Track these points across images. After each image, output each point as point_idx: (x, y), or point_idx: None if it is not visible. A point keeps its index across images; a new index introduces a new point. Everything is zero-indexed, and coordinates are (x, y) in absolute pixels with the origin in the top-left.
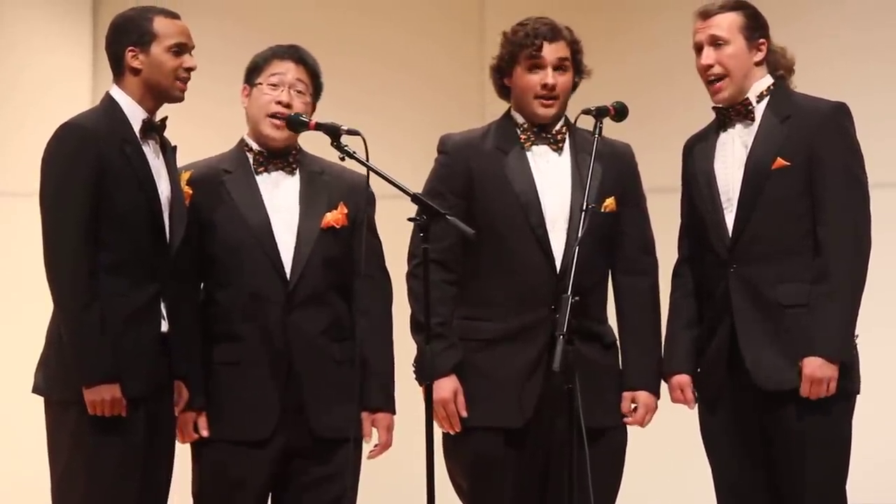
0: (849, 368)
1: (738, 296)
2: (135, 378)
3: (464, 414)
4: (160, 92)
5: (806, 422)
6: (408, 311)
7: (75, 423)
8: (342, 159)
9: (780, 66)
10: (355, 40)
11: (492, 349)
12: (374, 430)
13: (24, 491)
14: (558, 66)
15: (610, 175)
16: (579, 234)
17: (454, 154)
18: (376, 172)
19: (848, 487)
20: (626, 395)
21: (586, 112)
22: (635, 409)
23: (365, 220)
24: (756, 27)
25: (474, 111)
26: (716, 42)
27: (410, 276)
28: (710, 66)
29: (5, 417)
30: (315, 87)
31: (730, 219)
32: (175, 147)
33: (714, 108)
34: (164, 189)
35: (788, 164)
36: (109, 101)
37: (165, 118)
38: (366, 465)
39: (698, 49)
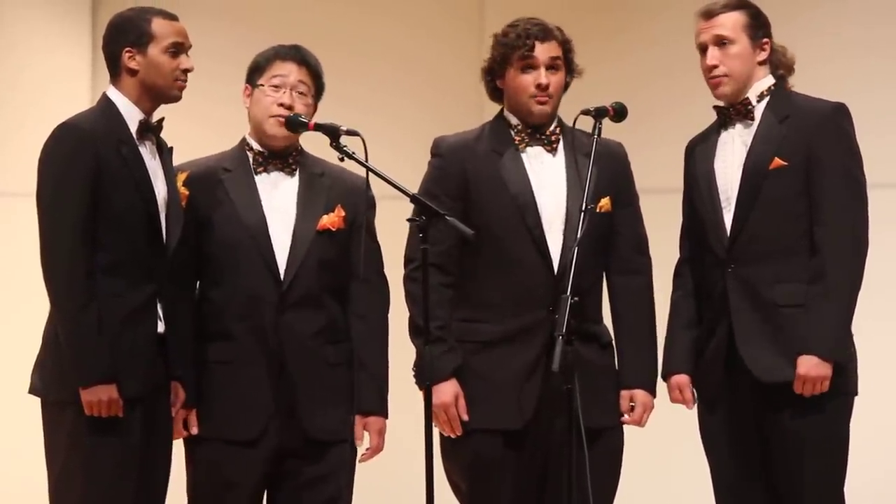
0: (844, 368)
1: (735, 296)
2: (132, 378)
3: (465, 418)
4: (157, 93)
5: (802, 422)
6: (406, 314)
7: (72, 424)
8: (341, 160)
9: (780, 65)
10: (355, 39)
11: (490, 351)
12: (366, 434)
13: (21, 491)
14: (551, 66)
15: (605, 175)
16: (578, 235)
17: (449, 156)
18: (375, 173)
19: (848, 492)
20: (624, 394)
21: (585, 112)
22: (633, 408)
23: (364, 223)
24: (759, 26)
25: (474, 111)
26: (720, 42)
27: (408, 280)
28: (715, 67)
29: (4, 418)
30: (317, 89)
31: (728, 218)
32: (171, 148)
33: (715, 107)
34: (160, 190)
35: (786, 164)
36: (106, 102)
37: (162, 119)
38: (365, 468)
39: (702, 49)
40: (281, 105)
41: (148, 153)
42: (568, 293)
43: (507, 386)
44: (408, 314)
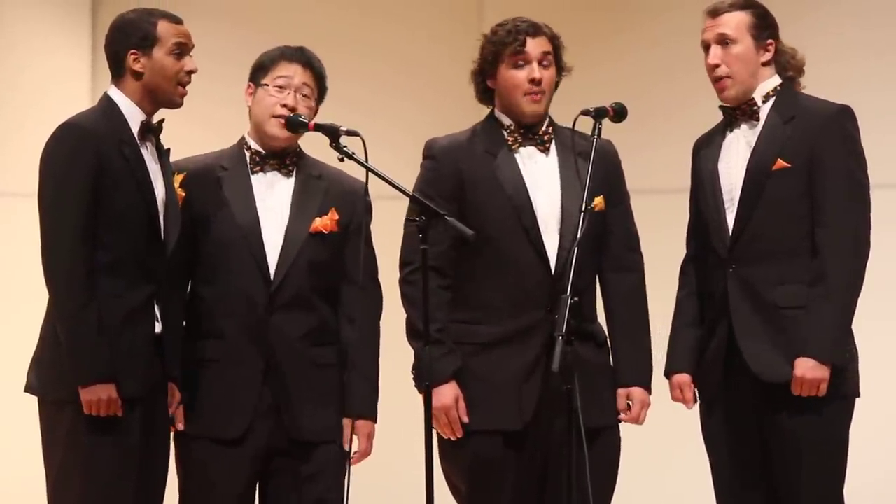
0: (844, 370)
1: (736, 296)
2: (130, 378)
3: (465, 420)
4: (160, 96)
5: (801, 423)
6: (401, 315)
7: (71, 424)
8: (341, 160)
9: (789, 67)
10: (354, 41)
11: (488, 352)
12: (355, 438)
13: (21, 491)
14: (542, 61)
15: (598, 174)
16: (578, 235)
17: (442, 158)
18: (375, 173)
19: (848, 492)
20: (621, 392)
21: (586, 113)
22: (629, 406)
23: (360, 228)
24: (765, 27)
25: (473, 112)
26: (723, 41)
27: (403, 283)
28: (717, 66)
29: (4, 417)
30: (320, 91)
31: (731, 219)
32: (168, 150)
33: (721, 107)
34: (159, 191)
35: (789, 165)
36: (108, 102)
37: (162, 120)
38: (365, 469)
39: (706, 47)
40: (284, 106)
41: (148, 154)
42: (568, 293)
43: (506, 387)
44: (404, 314)
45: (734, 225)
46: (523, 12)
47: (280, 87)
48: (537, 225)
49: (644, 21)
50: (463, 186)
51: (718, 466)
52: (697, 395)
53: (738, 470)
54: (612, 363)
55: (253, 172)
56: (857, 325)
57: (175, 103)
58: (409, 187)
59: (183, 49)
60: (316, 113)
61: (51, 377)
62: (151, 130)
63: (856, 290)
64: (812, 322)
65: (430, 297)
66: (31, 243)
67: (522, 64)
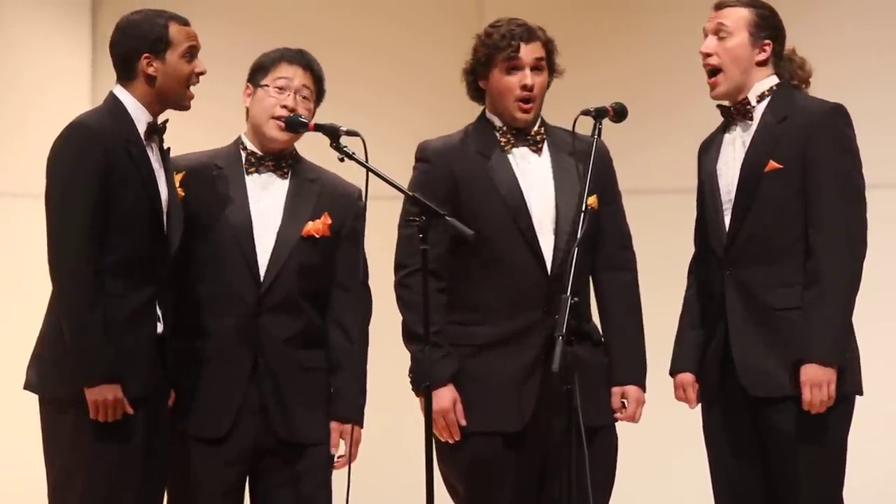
0: (842, 371)
1: (732, 298)
2: (134, 379)
3: (463, 423)
4: (171, 99)
5: (796, 424)
6: (397, 319)
7: (73, 423)
8: (341, 160)
9: (796, 76)
10: (354, 41)
11: (485, 354)
12: (341, 442)
13: (21, 491)
14: (535, 67)
15: (593, 174)
16: (578, 236)
17: (436, 160)
18: (375, 173)
19: (848, 492)
20: (616, 390)
21: (585, 113)
22: (625, 404)
23: (352, 233)
24: (765, 27)
25: (473, 113)
26: (719, 32)
27: (399, 286)
28: (709, 55)
29: (4, 417)
30: (318, 93)
31: (727, 220)
32: (169, 149)
33: (719, 106)
34: (163, 191)
35: (780, 166)
36: (114, 102)
37: (166, 121)
38: (365, 469)
39: (705, 37)
40: (284, 107)
41: (153, 155)
42: (568, 293)
43: (504, 388)
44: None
45: (730, 226)
46: (523, 13)
47: (280, 88)
48: (532, 226)
49: (644, 21)
50: (457, 188)
51: (717, 464)
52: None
53: (737, 469)
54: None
55: (248, 173)
56: (856, 326)
57: (184, 106)
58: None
59: (193, 51)
60: (314, 115)
61: (52, 375)
62: (156, 131)
63: (853, 291)
64: (810, 326)
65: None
66: (30, 243)
67: (515, 70)
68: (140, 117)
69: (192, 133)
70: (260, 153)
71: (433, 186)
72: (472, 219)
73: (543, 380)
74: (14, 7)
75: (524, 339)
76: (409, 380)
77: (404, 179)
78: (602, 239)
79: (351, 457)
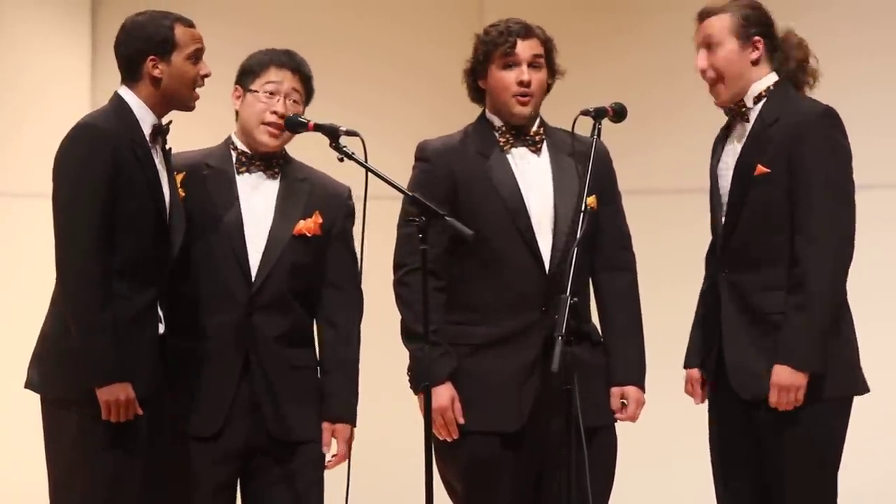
0: (830, 374)
1: (726, 300)
2: (139, 380)
3: (461, 421)
4: (176, 101)
5: (785, 426)
6: (397, 318)
7: (76, 423)
8: (341, 160)
9: (791, 58)
10: (354, 40)
11: (484, 353)
12: (333, 441)
13: (21, 491)
14: (532, 63)
15: (590, 174)
16: (578, 236)
17: (436, 160)
18: (375, 173)
19: (848, 492)
20: (615, 391)
21: (585, 113)
22: (624, 405)
23: (342, 232)
24: (750, 25)
25: (473, 112)
26: (708, 44)
27: (398, 285)
28: (704, 70)
29: (4, 417)
30: (307, 94)
31: (724, 223)
32: (170, 149)
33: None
34: (166, 193)
35: (768, 170)
36: (119, 103)
37: (170, 122)
38: (365, 469)
39: (697, 51)
40: (274, 113)
41: (157, 157)
42: (567, 293)
43: (502, 388)
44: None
45: (723, 230)
46: (523, 12)
47: (270, 93)
48: (531, 226)
49: (644, 21)
50: (456, 188)
51: (717, 465)
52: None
53: (733, 470)
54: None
55: (238, 173)
56: (856, 326)
57: (189, 107)
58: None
59: (199, 54)
60: (303, 115)
61: (55, 375)
62: (161, 133)
63: (836, 296)
64: (788, 331)
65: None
66: (29, 243)
67: (512, 65)
68: (145, 119)
69: (191, 133)
70: (250, 153)
71: (432, 186)
72: (471, 219)
73: (542, 380)
74: (14, 7)
75: (523, 339)
76: (407, 379)
77: (404, 179)
78: (601, 239)
79: (343, 456)
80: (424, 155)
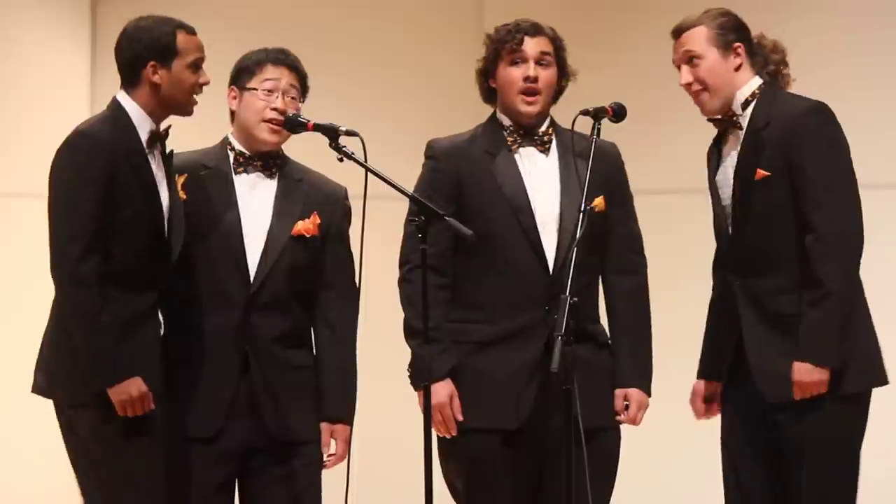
0: (843, 372)
1: (743, 305)
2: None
3: (459, 418)
4: (175, 106)
5: (810, 429)
6: (399, 316)
7: (91, 425)
8: (340, 160)
9: (770, 61)
10: (354, 40)
11: (486, 352)
12: (332, 441)
13: (22, 491)
14: (540, 61)
15: (598, 175)
16: (577, 235)
17: (443, 159)
18: (374, 173)
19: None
20: (618, 393)
21: (584, 113)
22: (627, 407)
23: (339, 233)
24: (727, 32)
25: (473, 112)
26: (690, 59)
27: (402, 282)
28: (690, 84)
29: (4, 417)
30: (303, 92)
31: (731, 230)
32: (171, 152)
33: (710, 120)
34: (164, 197)
35: (768, 174)
36: (118, 108)
37: (169, 127)
38: (365, 468)
39: (678, 68)
40: (274, 109)
41: (155, 162)
42: (567, 293)
43: (503, 386)
44: (402, 315)
45: (731, 238)
46: (523, 12)
47: (268, 90)
48: (535, 226)
49: (644, 21)
50: (461, 187)
51: (728, 469)
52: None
53: (745, 474)
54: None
55: (236, 173)
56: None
57: (188, 113)
58: (409, 187)
59: (200, 63)
60: (299, 112)
61: (65, 379)
62: (159, 139)
63: (849, 290)
64: (806, 327)
65: (427, 295)
66: (29, 243)
67: (519, 62)
68: (143, 125)
69: (190, 133)
70: (248, 153)
71: (439, 184)
72: (476, 217)
73: (543, 379)
74: (14, 7)
75: (525, 339)
76: (408, 376)
77: (403, 179)
78: (611, 242)
79: (341, 456)
80: (432, 153)
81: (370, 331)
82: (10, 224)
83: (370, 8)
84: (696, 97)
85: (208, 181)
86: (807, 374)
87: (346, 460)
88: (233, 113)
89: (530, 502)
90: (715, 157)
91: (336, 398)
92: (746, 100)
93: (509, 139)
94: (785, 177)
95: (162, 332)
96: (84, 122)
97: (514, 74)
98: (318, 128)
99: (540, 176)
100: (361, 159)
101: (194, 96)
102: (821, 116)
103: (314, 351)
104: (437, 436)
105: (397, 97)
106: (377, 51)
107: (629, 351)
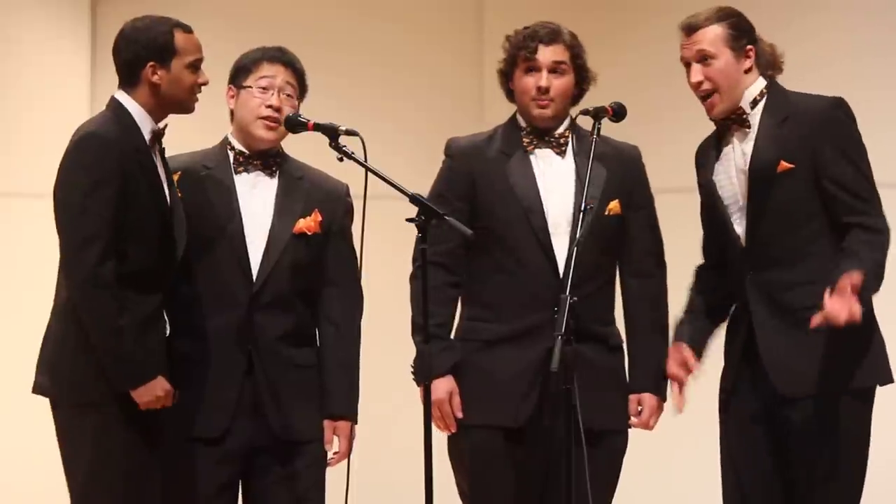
0: (855, 365)
1: (755, 300)
2: None
3: (459, 415)
4: (174, 105)
5: (822, 423)
6: (408, 313)
7: (95, 426)
8: (340, 160)
9: (768, 65)
10: (354, 40)
11: (493, 350)
12: (335, 438)
13: (21, 490)
14: (553, 69)
15: (614, 178)
16: (577, 235)
17: (458, 158)
18: (374, 173)
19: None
20: (632, 397)
21: (584, 112)
22: (641, 411)
23: (341, 230)
24: (741, 34)
25: (473, 111)
26: (703, 58)
27: (411, 279)
28: (700, 83)
29: (4, 416)
30: (301, 90)
31: (740, 227)
32: (163, 149)
33: (713, 120)
34: (167, 197)
35: (792, 166)
36: (119, 108)
37: (166, 125)
38: (364, 469)
39: (686, 65)
40: (269, 107)
41: (158, 161)
42: (567, 293)
43: (507, 384)
44: (405, 313)
45: (746, 233)
46: (523, 12)
47: (263, 88)
48: (546, 227)
49: (644, 21)
50: (475, 186)
51: (729, 465)
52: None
53: (748, 470)
54: (626, 367)
55: (236, 173)
56: None
57: (189, 110)
58: (410, 186)
59: (199, 63)
60: (298, 111)
61: (71, 380)
62: (158, 137)
63: (883, 267)
64: (846, 263)
65: (434, 293)
66: (28, 243)
67: (533, 70)
68: (145, 124)
69: (189, 133)
70: (247, 152)
71: (454, 183)
72: (488, 217)
73: (547, 379)
74: (14, 7)
75: (532, 338)
76: (408, 375)
77: (404, 179)
78: (629, 245)
79: (345, 454)
80: (449, 152)
81: (370, 330)
82: (9, 224)
83: (370, 8)
84: (705, 98)
85: (209, 181)
86: (854, 278)
87: (346, 459)
88: (232, 112)
89: (535, 501)
90: (713, 155)
91: (339, 395)
92: (755, 98)
93: (525, 140)
94: (809, 170)
95: (168, 332)
96: (88, 123)
97: (527, 83)
98: (318, 127)
99: (554, 177)
100: (361, 159)
101: (195, 95)
102: (844, 110)
103: (318, 349)
104: (446, 435)
105: (397, 97)
106: (377, 50)
107: (643, 355)
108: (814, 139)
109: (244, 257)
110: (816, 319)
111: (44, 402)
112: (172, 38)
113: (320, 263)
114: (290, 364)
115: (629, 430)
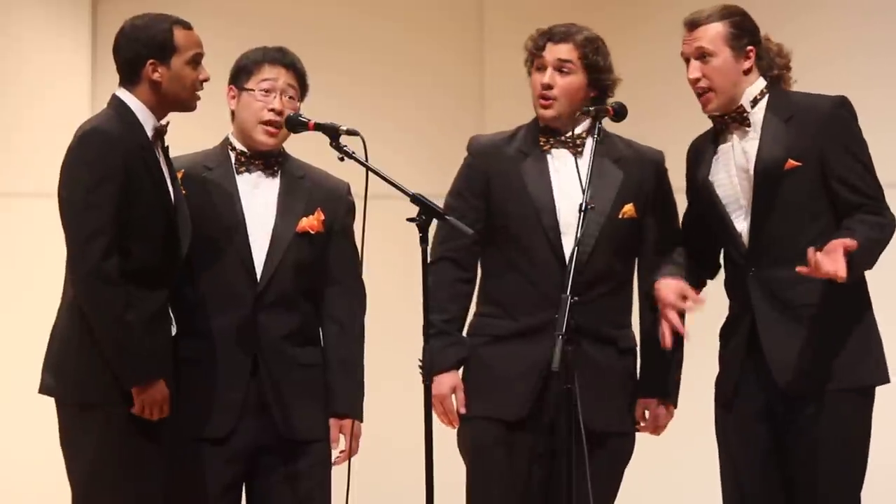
0: (857, 365)
1: (757, 298)
2: None
3: (462, 410)
4: (176, 103)
5: (823, 421)
6: (412, 311)
7: (101, 426)
8: (341, 159)
9: (774, 65)
10: (354, 39)
11: (500, 345)
12: (341, 437)
13: (21, 490)
14: (559, 68)
15: (630, 181)
16: (578, 235)
17: (477, 156)
18: (375, 172)
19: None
20: (641, 402)
21: (585, 112)
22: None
23: (344, 228)
24: (743, 34)
25: (474, 110)
26: (702, 55)
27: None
28: (698, 79)
29: (4, 416)
30: (302, 91)
31: (741, 225)
32: (167, 147)
33: (711, 116)
34: (171, 194)
35: (800, 164)
36: (121, 106)
37: (168, 122)
38: (365, 468)
39: (686, 60)
40: (272, 111)
41: (161, 158)
42: (567, 293)
43: (509, 379)
44: (405, 312)
45: (749, 230)
46: (524, 12)
47: (266, 90)
48: (557, 226)
49: (644, 20)
50: (490, 184)
51: (729, 465)
52: (715, 396)
53: (748, 469)
54: (637, 371)
55: (238, 173)
56: None
57: (191, 108)
58: (411, 186)
59: (199, 59)
60: (298, 111)
61: (76, 379)
62: (161, 134)
63: (882, 248)
64: (855, 224)
65: (444, 288)
66: (29, 243)
67: (540, 69)
68: (147, 121)
69: (189, 133)
70: (249, 153)
71: (471, 181)
72: (502, 215)
73: (550, 377)
74: (14, 5)
75: (539, 336)
76: (411, 376)
77: (404, 178)
78: (644, 248)
79: (351, 451)
80: (469, 149)
81: (371, 330)
82: (9, 223)
83: (371, 6)
84: (701, 94)
85: (211, 182)
86: (845, 244)
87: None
88: (233, 112)
89: (539, 499)
90: (710, 153)
91: (344, 394)
92: (755, 98)
93: (542, 140)
94: (815, 168)
95: (173, 332)
96: (90, 120)
97: (534, 80)
98: (318, 127)
99: (569, 178)
100: (362, 158)
101: (196, 92)
102: (848, 109)
103: (322, 348)
104: (455, 431)
105: (398, 96)
106: (378, 49)
107: (654, 360)
108: (820, 138)
109: (248, 257)
110: (802, 268)
111: (44, 402)
112: (172, 35)
113: (323, 262)
114: (294, 363)
115: (636, 434)
